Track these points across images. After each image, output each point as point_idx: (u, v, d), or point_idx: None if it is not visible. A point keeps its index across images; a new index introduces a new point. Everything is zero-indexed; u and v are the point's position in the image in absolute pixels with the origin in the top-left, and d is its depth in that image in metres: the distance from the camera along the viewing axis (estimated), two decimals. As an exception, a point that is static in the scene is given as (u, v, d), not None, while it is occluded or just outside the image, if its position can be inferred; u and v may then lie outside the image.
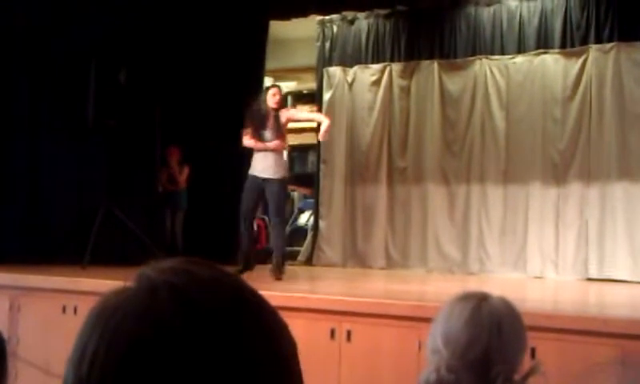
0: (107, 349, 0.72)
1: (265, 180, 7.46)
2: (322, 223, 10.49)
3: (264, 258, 8.63)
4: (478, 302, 1.99)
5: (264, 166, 7.47)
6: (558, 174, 9.08)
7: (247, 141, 7.58)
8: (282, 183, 7.63)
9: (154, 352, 0.70)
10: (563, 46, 9.15)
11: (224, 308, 0.74)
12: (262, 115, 7.52)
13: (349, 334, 5.37)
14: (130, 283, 0.77)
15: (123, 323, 0.72)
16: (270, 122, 7.49)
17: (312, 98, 11.36)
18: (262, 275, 7.30)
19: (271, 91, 7.69)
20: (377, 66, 10.25)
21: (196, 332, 0.71)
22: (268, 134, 7.49)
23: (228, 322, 0.73)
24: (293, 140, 11.04)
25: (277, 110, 7.56)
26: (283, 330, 0.78)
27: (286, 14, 9.73)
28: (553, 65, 9.18)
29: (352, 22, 10.50)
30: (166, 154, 9.49)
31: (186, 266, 0.77)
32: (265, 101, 7.58)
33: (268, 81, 11.63)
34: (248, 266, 7.49)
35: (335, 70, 10.52)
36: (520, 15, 9.43)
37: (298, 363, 0.78)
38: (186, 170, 9.59)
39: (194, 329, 0.71)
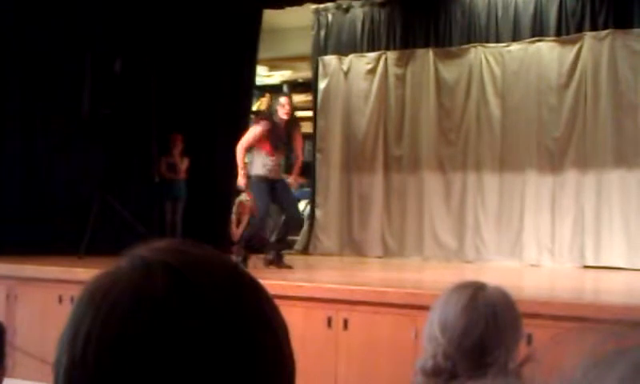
0: (102, 329, 0.71)
1: (276, 181, 7.63)
2: (318, 212, 10.49)
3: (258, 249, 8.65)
4: (475, 290, 2.01)
5: (274, 167, 7.62)
6: (553, 162, 9.08)
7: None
8: None
9: (150, 331, 0.70)
10: (558, 33, 9.15)
11: (218, 287, 0.74)
12: (275, 127, 7.52)
13: (345, 322, 5.38)
14: (122, 263, 0.76)
15: (118, 302, 0.72)
16: (282, 133, 7.55)
17: (307, 87, 11.34)
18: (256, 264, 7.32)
19: (281, 101, 7.68)
20: (372, 55, 10.23)
21: (191, 310, 0.71)
22: (281, 144, 7.61)
23: (222, 301, 0.73)
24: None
25: (288, 121, 7.56)
26: (276, 312, 0.79)
27: (281, 3, 9.70)
28: (548, 52, 9.17)
29: (347, 10, 10.47)
30: (169, 141, 9.43)
31: (180, 246, 0.77)
32: (275, 112, 7.58)
33: (262, 70, 11.61)
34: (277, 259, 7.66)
35: (330, 59, 10.50)
36: (515, 3, 9.41)
37: (290, 345, 0.78)
38: (185, 162, 9.53)
39: (188, 307, 0.71)
